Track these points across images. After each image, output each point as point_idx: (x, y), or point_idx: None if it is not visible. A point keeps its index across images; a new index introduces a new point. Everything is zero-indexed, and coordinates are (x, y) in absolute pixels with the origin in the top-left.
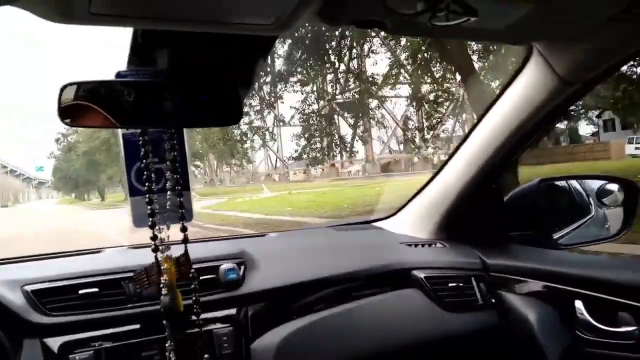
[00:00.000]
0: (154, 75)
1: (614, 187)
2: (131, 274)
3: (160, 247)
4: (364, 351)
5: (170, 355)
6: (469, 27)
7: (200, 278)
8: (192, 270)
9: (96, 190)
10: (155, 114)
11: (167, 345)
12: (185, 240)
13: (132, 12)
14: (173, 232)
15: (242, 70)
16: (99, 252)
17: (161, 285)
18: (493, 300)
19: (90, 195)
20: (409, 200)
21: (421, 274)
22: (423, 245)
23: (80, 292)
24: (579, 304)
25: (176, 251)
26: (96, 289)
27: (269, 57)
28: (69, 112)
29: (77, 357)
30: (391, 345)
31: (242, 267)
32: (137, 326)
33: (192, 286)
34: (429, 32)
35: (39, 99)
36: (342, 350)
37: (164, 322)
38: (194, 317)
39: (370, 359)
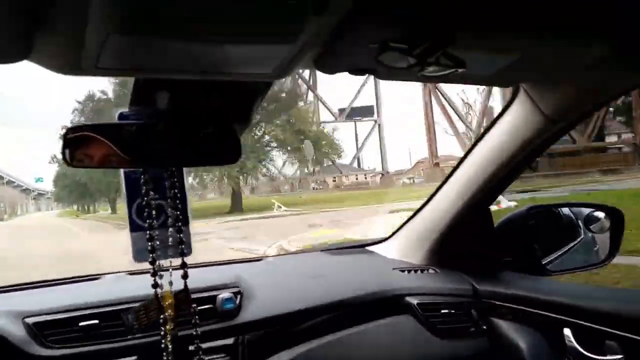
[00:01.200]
0: (155, 117)
1: (600, 214)
2: (130, 305)
3: (160, 282)
4: None
5: None
6: (457, 74)
7: (197, 308)
8: (193, 305)
9: (105, 200)
10: (157, 154)
11: None
12: (185, 276)
13: (136, 66)
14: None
15: (240, 112)
16: (97, 278)
17: (161, 320)
18: (484, 327)
19: (96, 206)
20: (402, 225)
21: (414, 300)
22: (416, 271)
23: (81, 324)
24: (567, 332)
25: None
26: (96, 321)
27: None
28: (73, 154)
29: None
30: None
31: (239, 296)
32: (136, 358)
33: (193, 321)
34: (418, 79)
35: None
36: None
37: (169, 356)
38: (192, 348)
39: None
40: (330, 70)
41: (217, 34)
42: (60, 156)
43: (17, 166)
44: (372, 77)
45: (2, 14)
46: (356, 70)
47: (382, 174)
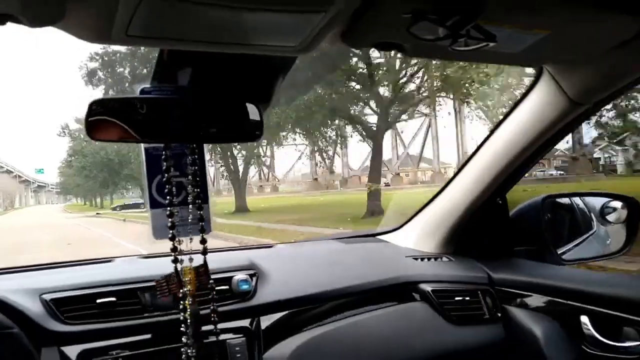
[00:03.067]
0: (177, 92)
1: (617, 204)
2: (146, 284)
3: (179, 258)
4: None
5: None
6: (485, 50)
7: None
8: (210, 281)
9: (123, 191)
10: (178, 130)
11: (189, 351)
12: (204, 252)
13: (165, 34)
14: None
15: (263, 88)
16: (110, 261)
17: (181, 294)
18: (499, 314)
19: (113, 198)
20: (415, 214)
21: (428, 287)
22: (429, 259)
23: (98, 301)
24: (584, 319)
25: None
26: (113, 299)
27: None
28: (96, 127)
29: None
30: (399, 357)
31: (254, 279)
32: (153, 335)
33: (210, 296)
34: (446, 55)
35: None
36: None
37: (187, 330)
38: (211, 327)
39: None
40: (358, 44)
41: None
42: (72, 127)
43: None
44: None
45: None
46: (383, 45)
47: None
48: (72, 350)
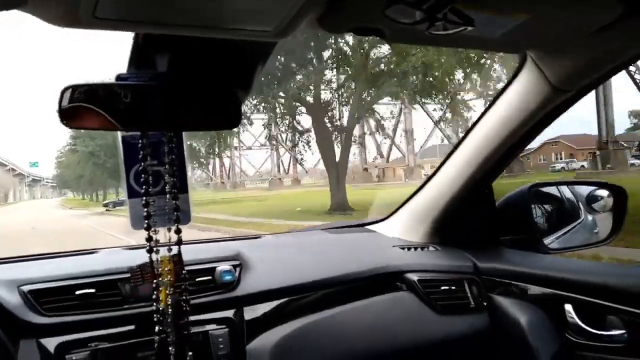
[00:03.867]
0: (154, 78)
1: (603, 192)
2: (127, 275)
3: (155, 249)
4: (358, 353)
5: (172, 353)
6: (465, 36)
7: (197, 279)
8: (183, 272)
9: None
10: (155, 117)
11: (169, 340)
12: (178, 242)
13: (136, 17)
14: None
15: (242, 74)
16: (94, 252)
17: (154, 284)
18: (485, 303)
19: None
20: (402, 204)
21: (414, 277)
22: (416, 249)
23: (77, 292)
24: (569, 307)
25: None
26: (92, 290)
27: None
28: (69, 114)
29: (73, 358)
30: (384, 347)
31: (238, 269)
32: (133, 327)
33: (183, 287)
34: (426, 40)
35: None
36: (336, 352)
37: (162, 320)
38: (195, 317)
39: None
40: (336, 29)
41: None
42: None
43: (9, 148)
44: None
45: None
46: (362, 30)
47: None
48: (50, 343)
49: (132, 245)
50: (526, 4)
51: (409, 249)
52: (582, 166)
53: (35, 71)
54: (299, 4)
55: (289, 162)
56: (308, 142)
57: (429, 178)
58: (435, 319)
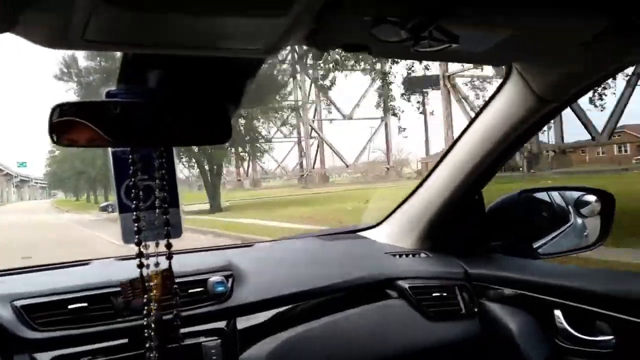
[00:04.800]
0: (144, 95)
1: (591, 198)
2: (119, 289)
3: (146, 263)
4: None
5: None
6: (450, 50)
7: (189, 291)
8: (175, 286)
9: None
10: (145, 133)
11: (151, 356)
12: (169, 257)
13: (124, 39)
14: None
15: (231, 89)
16: (87, 264)
17: (145, 299)
18: (476, 310)
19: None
20: (394, 210)
21: (405, 284)
22: (407, 256)
23: (70, 307)
24: (558, 313)
25: (163, 265)
26: (85, 304)
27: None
28: (59, 130)
29: None
30: (377, 355)
31: (230, 280)
32: (126, 340)
33: (174, 302)
34: (412, 56)
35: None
36: None
37: (151, 335)
38: (185, 330)
39: None
40: (323, 46)
41: (206, 5)
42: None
43: None
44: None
45: None
46: (349, 47)
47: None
48: (44, 357)
49: (124, 255)
50: (511, 19)
51: (400, 255)
52: None
53: (22, 70)
54: (289, 21)
55: (316, 155)
56: None
57: (419, 185)
58: (426, 326)
